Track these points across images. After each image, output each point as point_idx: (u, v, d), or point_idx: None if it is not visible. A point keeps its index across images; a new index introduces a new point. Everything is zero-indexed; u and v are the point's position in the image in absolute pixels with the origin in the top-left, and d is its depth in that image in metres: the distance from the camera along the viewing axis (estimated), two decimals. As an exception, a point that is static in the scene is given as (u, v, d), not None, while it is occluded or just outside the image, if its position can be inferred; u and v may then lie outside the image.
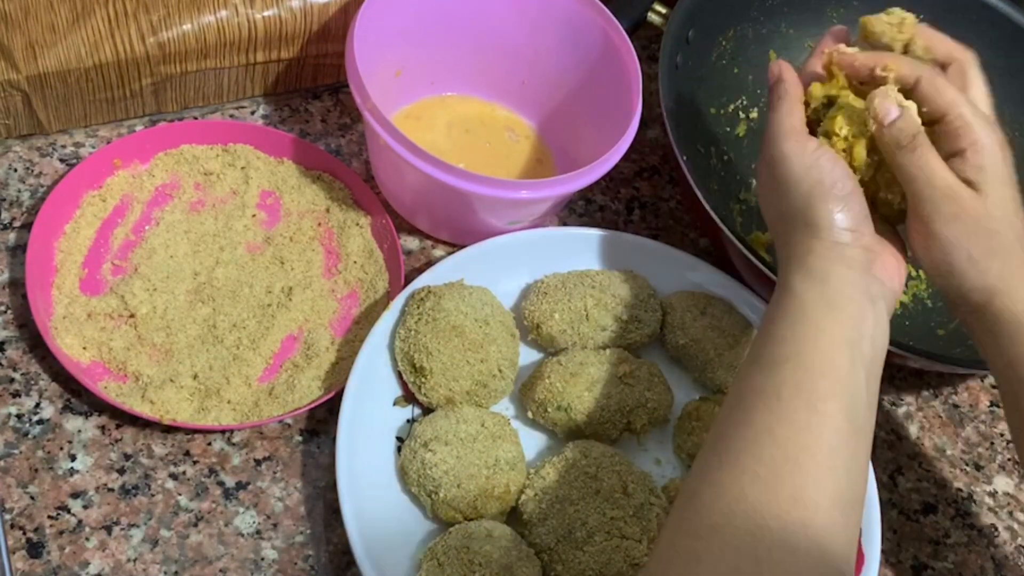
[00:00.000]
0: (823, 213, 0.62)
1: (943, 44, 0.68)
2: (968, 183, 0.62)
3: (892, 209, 0.66)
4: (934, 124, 0.64)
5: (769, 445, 0.56)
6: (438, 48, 0.88)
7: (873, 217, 0.64)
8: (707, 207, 0.76)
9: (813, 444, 0.56)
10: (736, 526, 0.53)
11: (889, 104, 0.63)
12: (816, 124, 0.67)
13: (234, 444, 0.73)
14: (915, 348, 0.75)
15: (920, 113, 0.64)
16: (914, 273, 0.91)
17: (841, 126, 0.65)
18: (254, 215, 0.82)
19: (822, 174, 0.62)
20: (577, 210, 0.90)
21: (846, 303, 0.60)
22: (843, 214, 0.62)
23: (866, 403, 0.59)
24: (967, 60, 0.68)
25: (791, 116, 0.65)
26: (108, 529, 0.68)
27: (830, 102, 0.67)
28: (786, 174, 0.63)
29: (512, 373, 0.76)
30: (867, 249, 0.62)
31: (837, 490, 0.55)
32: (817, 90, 0.67)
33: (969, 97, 0.65)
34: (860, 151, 0.64)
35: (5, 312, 0.75)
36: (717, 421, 0.60)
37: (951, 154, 0.63)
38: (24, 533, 0.67)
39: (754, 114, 0.95)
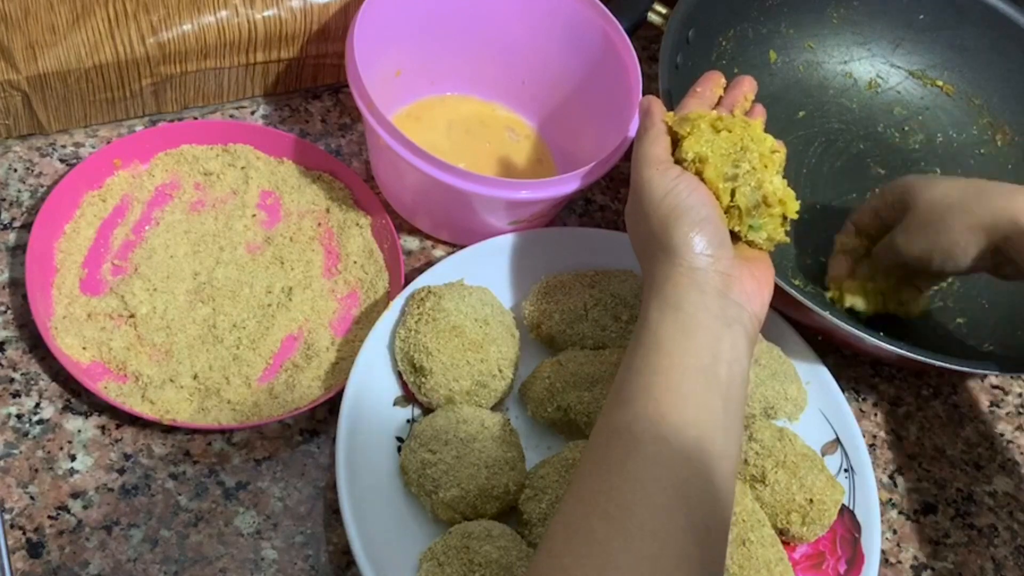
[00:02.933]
0: (678, 237, 0.63)
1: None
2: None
3: (756, 232, 0.66)
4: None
5: (620, 482, 0.56)
6: (438, 48, 0.88)
7: (737, 242, 0.66)
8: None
9: (664, 476, 0.55)
10: (586, 567, 0.53)
11: None
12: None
13: (234, 444, 0.73)
14: (916, 348, 0.75)
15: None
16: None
17: (686, 151, 0.66)
18: (254, 215, 0.82)
19: (678, 199, 0.63)
20: (577, 210, 0.90)
21: (699, 330, 0.60)
22: (698, 238, 0.62)
23: (723, 427, 0.58)
24: None
25: (655, 145, 0.67)
26: (108, 529, 0.68)
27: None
28: (647, 200, 0.65)
29: (512, 373, 0.76)
30: (723, 273, 0.62)
31: (691, 519, 0.55)
32: (678, 124, 0.68)
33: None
34: (710, 173, 0.65)
35: (5, 312, 0.75)
36: (580, 461, 0.60)
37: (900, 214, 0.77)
38: (24, 533, 0.67)
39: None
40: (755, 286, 0.64)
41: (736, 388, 0.60)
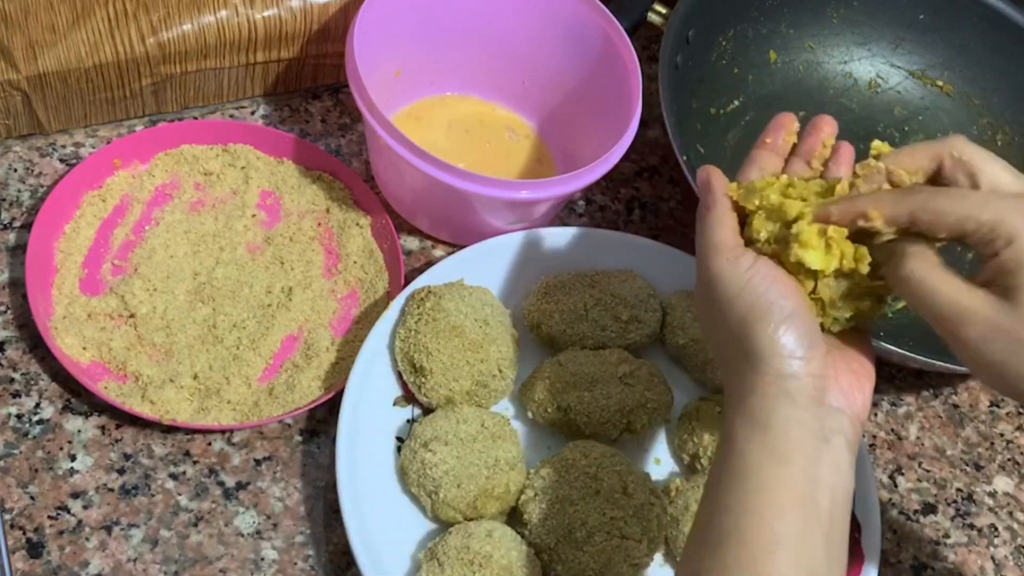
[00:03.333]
0: (762, 340, 0.53)
1: (921, 152, 0.56)
2: (1002, 288, 0.51)
3: (846, 320, 0.57)
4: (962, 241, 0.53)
5: None
6: (438, 48, 0.88)
7: (824, 326, 0.57)
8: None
9: None
10: None
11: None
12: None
13: (234, 444, 0.73)
14: (915, 348, 0.75)
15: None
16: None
17: (758, 230, 0.56)
18: (254, 215, 0.82)
19: (756, 295, 0.54)
20: (577, 210, 0.90)
21: (793, 452, 0.52)
22: (787, 338, 0.53)
23: (826, 569, 0.52)
24: (957, 147, 0.55)
25: (721, 228, 0.57)
26: (108, 529, 0.68)
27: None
28: (720, 296, 0.55)
29: (512, 373, 0.76)
30: (817, 376, 0.54)
31: None
32: (744, 199, 0.58)
33: (986, 184, 0.54)
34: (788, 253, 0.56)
35: (5, 312, 0.75)
36: None
37: (989, 256, 0.52)
38: (24, 533, 0.67)
39: (753, 115, 0.95)
40: (853, 380, 0.56)
41: (839, 516, 0.53)
